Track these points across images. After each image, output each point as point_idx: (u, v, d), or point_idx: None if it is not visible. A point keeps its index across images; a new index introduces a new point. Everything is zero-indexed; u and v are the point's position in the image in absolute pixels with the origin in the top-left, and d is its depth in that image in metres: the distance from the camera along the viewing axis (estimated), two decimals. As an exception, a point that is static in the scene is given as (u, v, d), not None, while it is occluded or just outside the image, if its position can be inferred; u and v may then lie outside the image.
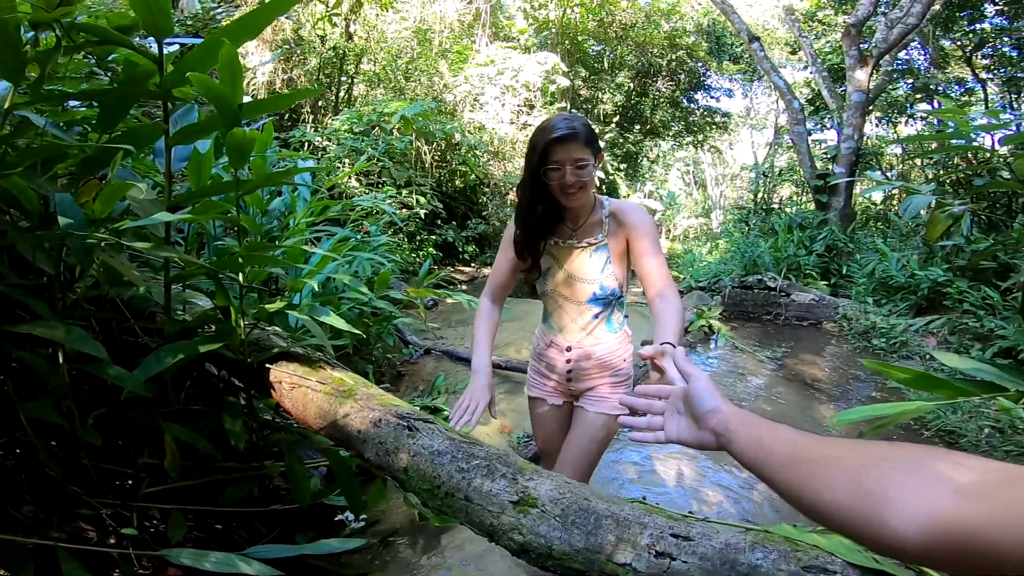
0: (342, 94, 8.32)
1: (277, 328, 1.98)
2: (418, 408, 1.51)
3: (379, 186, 5.84)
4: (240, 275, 1.43)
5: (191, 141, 1.30)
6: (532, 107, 9.33)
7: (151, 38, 1.16)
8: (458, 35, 9.87)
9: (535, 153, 1.36)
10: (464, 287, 6.60)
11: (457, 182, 8.34)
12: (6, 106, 1.17)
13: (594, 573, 1.00)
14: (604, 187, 11.22)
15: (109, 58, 1.45)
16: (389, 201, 3.85)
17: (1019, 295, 2.82)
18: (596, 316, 1.50)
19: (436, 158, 8.04)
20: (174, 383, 1.63)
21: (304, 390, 1.57)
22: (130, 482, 1.74)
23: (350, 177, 4.40)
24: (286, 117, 8.33)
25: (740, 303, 6.25)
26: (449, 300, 3.58)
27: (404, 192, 6.58)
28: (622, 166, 14.33)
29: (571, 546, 1.03)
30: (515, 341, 4.10)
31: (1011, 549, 0.31)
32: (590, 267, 1.47)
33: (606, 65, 13.48)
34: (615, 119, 13.99)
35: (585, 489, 1.15)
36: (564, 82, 9.15)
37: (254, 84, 7.66)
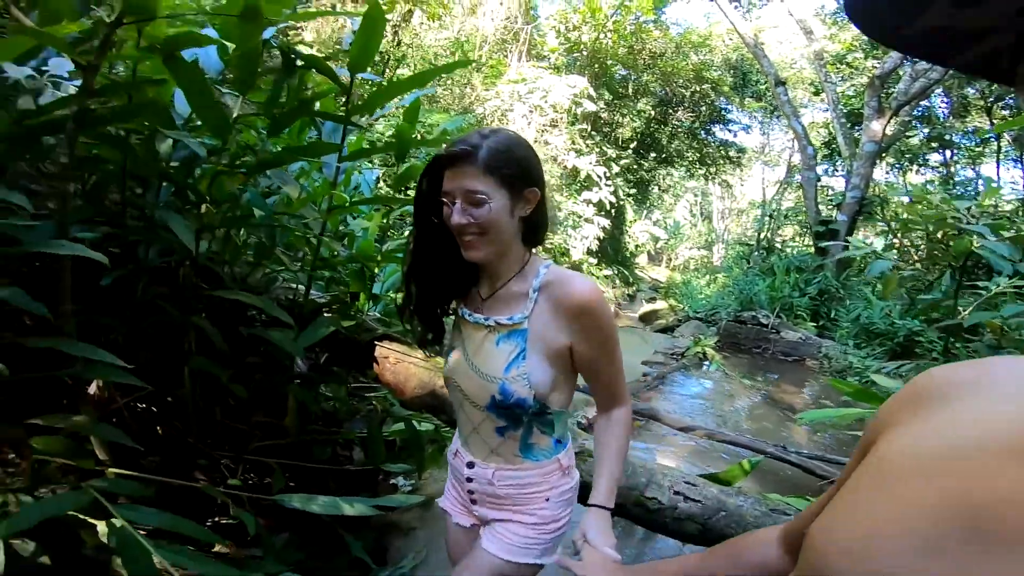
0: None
1: (373, 314, 2.46)
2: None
3: (408, 191, 6.40)
4: (375, 267, 1.96)
5: (356, 159, 1.87)
6: (555, 126, 9.99)
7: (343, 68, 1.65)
8: (493, 50, 10.52)
9: (422, 179, 1.03)
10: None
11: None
12: (235, 114, 1.68)
13: (629, 504, 1.63)
14: (613, 211, 11.83)
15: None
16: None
17: (977, 345, 3.44)
18: (501, 432, 1.06)
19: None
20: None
21: (407, 365, 2.09)
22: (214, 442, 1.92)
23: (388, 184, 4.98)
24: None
25: (734, 335, 6.90)
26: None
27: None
28: (632, 191, 14.98)
29: (615, 484, 1.63)
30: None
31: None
32: (494, 358, 1.02)
33: (630, 90, 14.16)
34: (632, 144, 14.65)
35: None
36: (591, 107, 9.82)
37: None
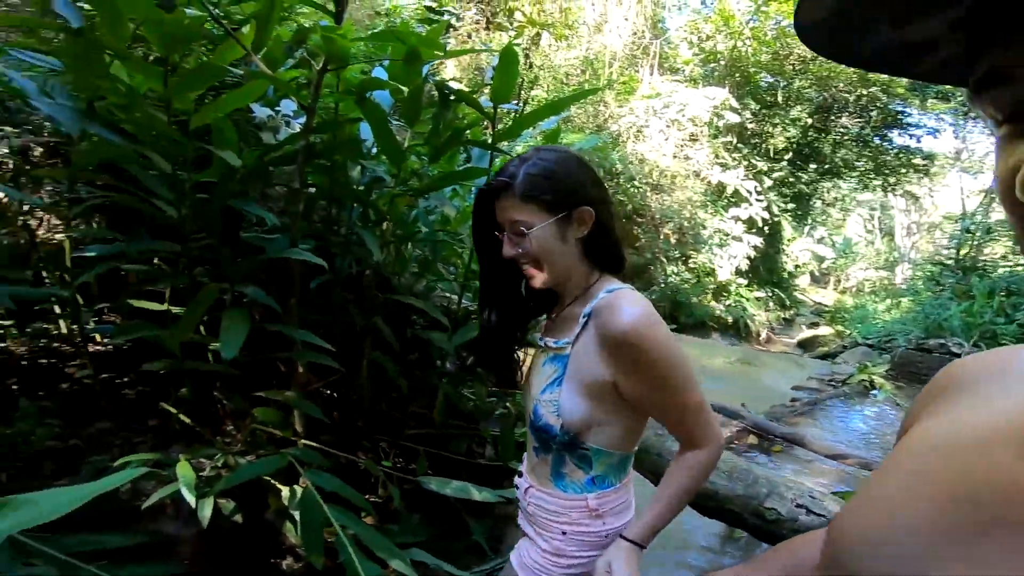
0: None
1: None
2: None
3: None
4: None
5: (500, 181, 2.17)
6: (695, 140, 9.82)
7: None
8: (624, 66, 10.72)
9: (474, 214, 1.04)
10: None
11: (612, 211, 9.14)
12: (406, 145, 1.97)
13: (747, 514, 1.67)
14: (766, 228, 11.13)
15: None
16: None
17: None
18: (536, 453, 1.06)
19: (594, 187, 8.92)
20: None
21: (542, 369, 2.30)
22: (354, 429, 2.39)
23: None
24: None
25: (912, 364, 6.16)
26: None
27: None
28: (789, 206, 13.95)
29: (732, 491, 1.71)
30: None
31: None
32: (537, 379, 1.05)
33: (779, 98, 13.35)
34: (787, 156, 13.72)
35: (745, 460, 1.79)
36: (733, 118, 9.51)
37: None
